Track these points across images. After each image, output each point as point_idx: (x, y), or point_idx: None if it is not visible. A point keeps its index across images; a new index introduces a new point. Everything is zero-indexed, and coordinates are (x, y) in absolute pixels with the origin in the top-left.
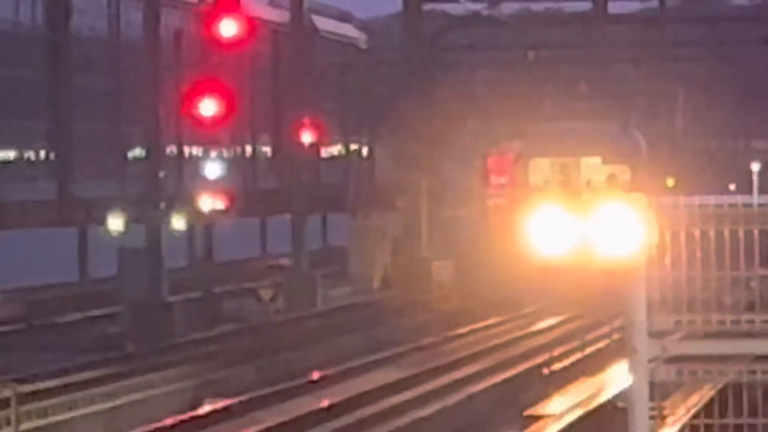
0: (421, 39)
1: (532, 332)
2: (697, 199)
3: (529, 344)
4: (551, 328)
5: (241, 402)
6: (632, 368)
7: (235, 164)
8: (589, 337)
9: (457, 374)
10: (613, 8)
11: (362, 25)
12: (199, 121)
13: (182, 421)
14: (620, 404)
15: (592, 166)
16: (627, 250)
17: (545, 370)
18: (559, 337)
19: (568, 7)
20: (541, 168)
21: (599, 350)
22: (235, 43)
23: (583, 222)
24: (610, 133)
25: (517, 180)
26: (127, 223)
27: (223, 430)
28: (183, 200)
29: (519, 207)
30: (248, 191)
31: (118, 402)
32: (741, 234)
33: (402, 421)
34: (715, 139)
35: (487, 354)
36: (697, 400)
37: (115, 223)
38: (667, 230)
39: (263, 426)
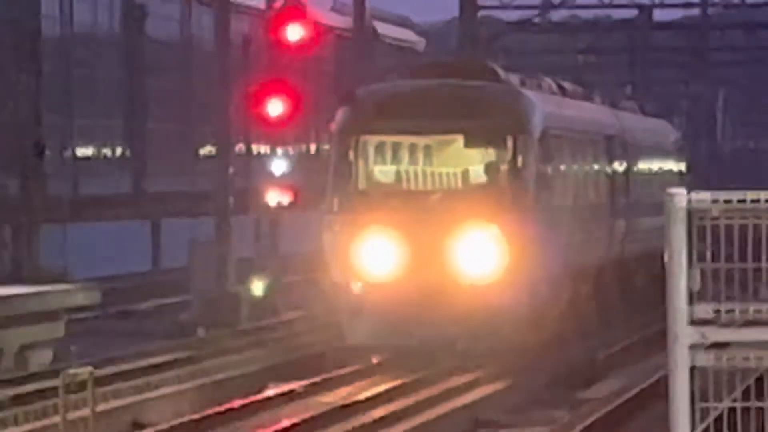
0: (476, 44)
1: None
2: (735, 194)
3: None
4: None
5: (304, 386)
6: (673, 354)
7: (300, 161)
8: None
9: None
10: (658, 16)
11: (420, 31)
12: (266, 121)
13: (249, 403)
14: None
15: (459, 152)
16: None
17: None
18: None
19: (616, 14)
20: (367, 153)
21: None
22: (301, 46)
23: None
24: (498, 96)
25: (333, 173)
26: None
27: (287, 412)
28: (250, 195)
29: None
30: (312, 187)
31: (188, 385)
32: None
33: None
34: (753, 140)
35: None
36: (735, 385)
37: None
38: (707, 223)
39: (325, 408)
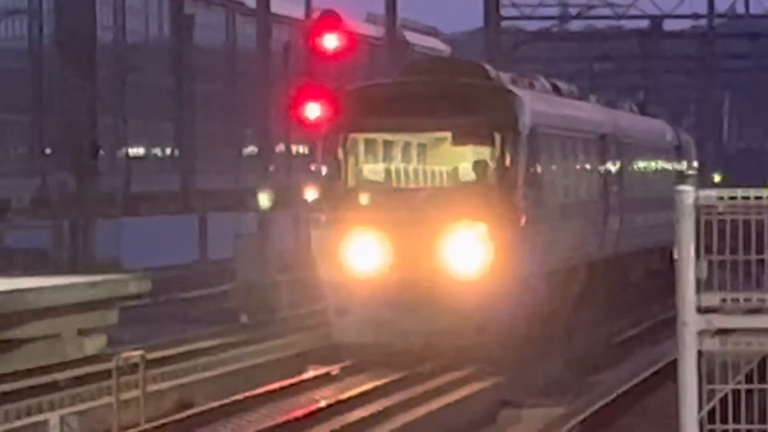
0: (499, 52)
1: None
2: (739, 191)
3: None
4: None
5: (341, 368)
6: (682, 339)
7: None
8: None
9: None
10: (667, 26)
11: (447, 40)
12: (304, 123)
13: (289, 385)
14: None
15: (449, 149)
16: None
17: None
18: None
19: (628, 24)
20: (356, 151)
21: None
22: (337, 54)
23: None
24: (487, 94)
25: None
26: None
27: (325, 393)
28: (290, 191)
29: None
30: None
31: (232, 367)
32: None
33: None
34: (757, 141)
35: None
36: (739, 368)
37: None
38: (713, 218)
39: (361, 389)
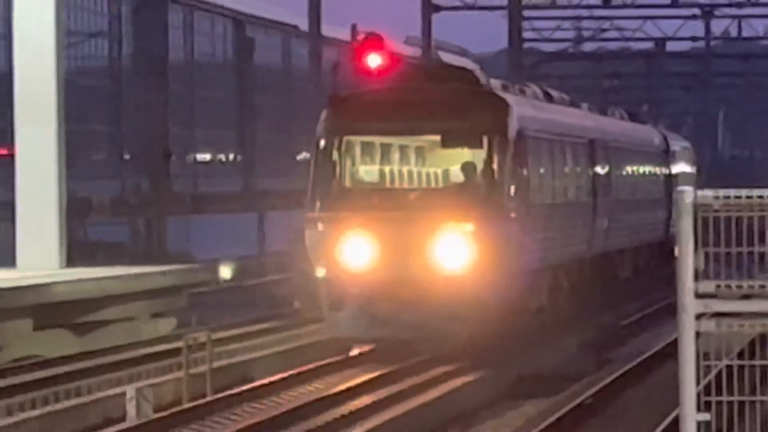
0: (521, 70)
1: None
2: (733, 192)
3: None
4: None
5: (383, 348)
6: (682, 321)
7: None
8: None
9: None
10: (670, 47)
11: (475, 59)
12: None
13: (335, 362)
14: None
15: (439, 152)
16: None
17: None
18: None
19: (635, 45)
20: (349, 153)
21: None
22: (379, 72)
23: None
24: (476, 99)
25: (316, 172)
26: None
27: (368, 369)
28: None
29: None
30: None
31: (287, 346)
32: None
33: None
34: (748, 148)
35: None
36: (732, 347)
37: None
38: (710, 215)
39: (401, 366)
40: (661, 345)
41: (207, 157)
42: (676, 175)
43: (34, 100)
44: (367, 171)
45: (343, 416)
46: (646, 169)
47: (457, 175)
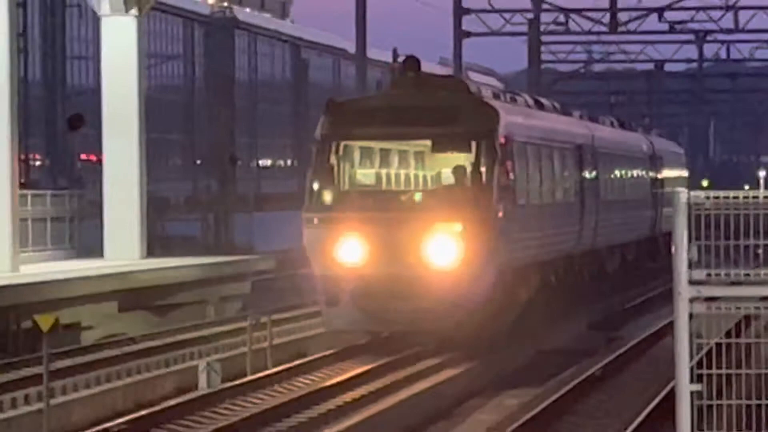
0: (540, 87)
1: None
2: (722, 193)
3: None
4: None
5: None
6: (677, 305)
7: None
8: None
9: None
10: (668, 67)
11: (501, 78)
12: None
13: (369, 342)
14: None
15: (432, 156)
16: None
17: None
18: None
19: (639, 66)
20: (346, 157)
21: None
22: None
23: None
24: (465, 106)
25: (315, 175)
26: None
27: (402, 347)
28: None
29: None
30: None
31: None
32: (752, 217)
33: None
34: (735, 155)
35: None
36: (722, 327)
37: None
38: (702, 213)
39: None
40: (642, 336)
41: (268, 162)
42: (663, 179)
43: (119, 115)
44: (363, 174)
45: (386, 386)
46: (634, 171)
47: (448, 178)
